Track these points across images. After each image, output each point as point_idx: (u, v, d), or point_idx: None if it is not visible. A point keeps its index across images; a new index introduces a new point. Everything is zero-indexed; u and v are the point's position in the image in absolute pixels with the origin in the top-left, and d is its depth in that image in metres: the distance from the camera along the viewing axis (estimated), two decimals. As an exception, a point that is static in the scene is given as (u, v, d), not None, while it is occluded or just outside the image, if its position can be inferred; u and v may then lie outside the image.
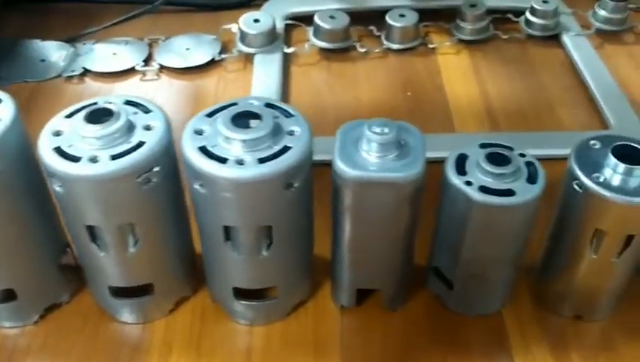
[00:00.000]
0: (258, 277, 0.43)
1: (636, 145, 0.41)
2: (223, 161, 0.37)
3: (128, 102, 0.42)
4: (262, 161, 0.37)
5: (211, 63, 0.70)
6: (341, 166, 0.38)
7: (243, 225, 0.39)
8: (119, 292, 0.45)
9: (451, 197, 0.41)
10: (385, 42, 0.71)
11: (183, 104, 0.66)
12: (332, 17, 0.70)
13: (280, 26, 0.73)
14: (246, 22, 0.69)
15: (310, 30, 0.71)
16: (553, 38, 0.73)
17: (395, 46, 0.71)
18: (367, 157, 0.39)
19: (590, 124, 0.62)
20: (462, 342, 0.45)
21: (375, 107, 0.64)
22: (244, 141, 0.38)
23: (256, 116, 0.39)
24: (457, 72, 0.69)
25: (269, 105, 0.41)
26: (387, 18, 0.70)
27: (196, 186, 0.39)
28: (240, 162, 0.37)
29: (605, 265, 0.42)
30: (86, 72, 0.69)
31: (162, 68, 0.70)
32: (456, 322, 0.46)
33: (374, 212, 0.40)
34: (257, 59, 0.69)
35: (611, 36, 0.74)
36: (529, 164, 0.41)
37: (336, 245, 0.43)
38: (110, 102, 0.41)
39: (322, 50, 0.71)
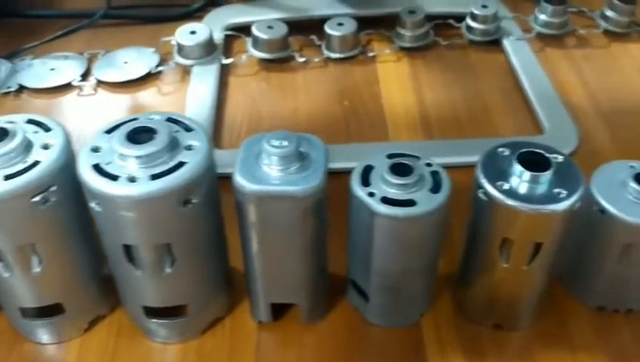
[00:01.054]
0: (165, 295, 0.42)
1: (542, 152, 0.40)
2: (114, 178, 0.37)
3: (30, 121, 0.41)
4: (155, 177, 0.37)
5: (149, 76, 0.69)
6: (240, 181, 0.38)
7: (141, 244, 0.39)
8: (30, 313, 0.44)
9: (356, 209, 0.40)
10: (325, 51, 0.71)
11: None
12: (270, 27, 0.69)
13: (219, 37, 0.72)
14: (182, 34, 0.69)
15: (249, 41, 0.71)
16: (495, 43, 0.73)
17: (335, 55, 0.70)
18: (269, 171, 0.38)
19: (526, 129, 0.62)
20: (378, 354, 0.44)
21: (311, 117, 0.64)
22: (138, 157, 0.37)
23: (154, 131, 0.39)
24: (396, 80, 0.68)
25: (170, 120, 0.40)
26: (326, 27, 0.70)
27: (92, 205, 0.38)
28: (132, 179, 0.37)
29: (517, 274, 0.42)
30: (22, 88, 0.68)
31: (100, 82, 0.69)
32: (374, 334, 0.45)
33: (278, 226, 0.39)
34: (195, 70, 0.68)
35: (552, 40, 0.73)
36: (434, 173, 0.41)
37: (246, 260, 0.43)
38: (10, 122, 0.40)
39: (262, 60, 0.71)
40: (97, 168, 0.37)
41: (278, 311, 0.46)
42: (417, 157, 0.42)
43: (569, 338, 0.45)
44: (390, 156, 0.42)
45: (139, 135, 0.38)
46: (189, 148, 0.39)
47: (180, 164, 0.37)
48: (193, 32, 0.69)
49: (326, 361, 0.44)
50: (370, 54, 0.71)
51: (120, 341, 0.45)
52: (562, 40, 0.74)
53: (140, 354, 0.45)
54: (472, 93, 0.67)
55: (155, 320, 0.44)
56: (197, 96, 0.65)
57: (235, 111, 0.65)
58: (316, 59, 0.71)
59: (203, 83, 0.67)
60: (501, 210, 0.39)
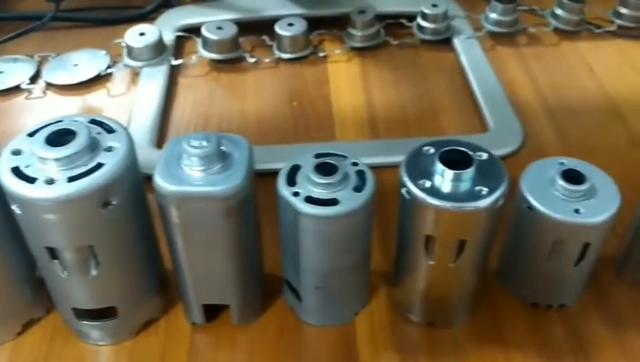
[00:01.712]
0: (93, 297, 0.42)
1: (465, 150, 0.40)
2: (32, 181, 0.36)
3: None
4: (72, 179, 0.36)
5: (98, 78, 0.69)
6: (160, 182, 0.38)
7: (63, 246, 0.38)
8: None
9: (283, 209, 0.40)
10: (276, 52, 0.71)
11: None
12: (220, 28, 0.69)
13: (171, 38, 0.72)
14: (131, 36, 0.69)
15: (200, 42, 0.70)
16: (446, 42, 0.73)
17: (286, 55, 0.70)
18: (190, 172, 0.38)
19: (472, 127, 0.62)
20: (311, 353, 0.44)
21: (259, 118, 0.64)
22: (57, 160, 0.37)
23: (74, 133, 0.38)
24: (346, 80, 0.68)
25: (93, 122, 0.40)
26: (276, 28, 0.70)
27: (14, 207, 0.38)
28: (50, 181, 0.36)
29: (444, 271, 0.42)
30: (-30, 91, 0.68)
31: (49, 85, 0.69)
32: (308, 333, 0.45)
33: (201, 227, 0.39)
34: (144, 72, 0.68)
35: (503, 38, 0.74)
36: (360, 172, 0.41)
37: (174, 261, 0.42)
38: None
39: (212, 61, 0.70)
40: (16, 171, 0.37)
41: (212, 311, 0.46)
42: (344, 157, 0.42)
43: (502, 334, 0.45)
44: (318, 156, 0.42)
45: (61, 137, 0.38)
46: (109, 149, 0.38)
47: (99, 166, 0.37)
48: (142, 34, 0.69)
49: (258, 361, 0.44)
50: (321, 54, 0.71)
51: (54, 344, 0.45)
52: (513, 38, 0.74)
53: (72, 356, 0.44)
54: (421, 92, 0.67)
55: (86, 322, 0.43)
56: (145, 98, 0.64)
57: (183, 113, 0.65)
58: (267, 60, 0.71)
59: (152, 84, 0.66)
60: (423, 208, 0.39)
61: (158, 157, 0.39)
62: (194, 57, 0.70)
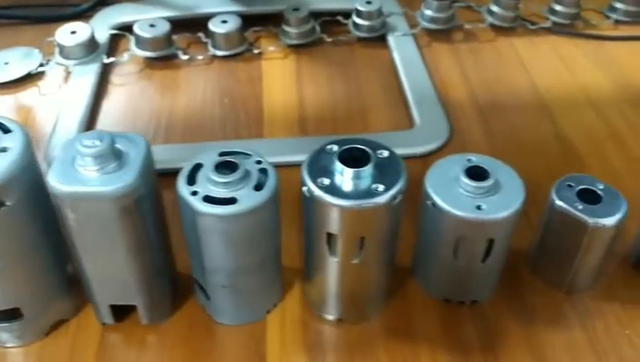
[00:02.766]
0: (-5, 298, 0.42)
1: (364, 148, 0.41)
2: None
3: None
4: (-38, 180, 0.36)
5: (29, 77, 0.68)
6: (53, 183, 0.37)
7: (-42, 247, 0.38)
8: None
9: (183, 208, 0.40)
10: (210, 49, 0.71)
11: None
12: (152, 26, 0.69)
13: (105, 36, 0.71)
14: (62, 34, 0.68)
15: (133, 40, 0.70)
16: (381, 39, 0.73)
17: (220, 52, 0.70)
18: (84, 172, 0.38)
19: (399, 124, 0.62)
20: (220, 352, 0.44)
21: (189, 115, 0.64)
22: (-53, 161, 0.37)
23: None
24: (279, 78, 0.68)
25: (-9, 122, 0.40)
26: (210, 25, 0.70)
27: None
28: (-61, 183, 0.36)
29: (348, 268, 0.42)
30: None
31: (-22, 83, 0.68)
32: (218, 333, 0.45)
33: (97, 227, 0.39)
34: (75, 71, 0.67)
35: (439, 35, 0.74)
36: (262, 171, 0.41)
37: (76, 262, 0.42)
38: None
39: (147, 59, 0.70)
40: None
41: (123, 312, 0.45)
42: (249, 155, 0.42)
43: (412, 330, 0.45)
44: (222, 154, 0.41)
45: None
46: (3, 150, 0.38)
47: (-10, 167, 0.37)
48: (74, 32, 0.68)
49: (167, 361, 0.44)
50: (256, 51, 0.71)
51: (-39, 347, 0.45)
52: (449, 35, 0.75)
53: (-21, 359, 0.44)
54: (353, 89, 0.67)
55: (-11, 324, 0.43)
56: (75, 97, 0.64)
57: (113, 111, 0.64)
58: (201, 57, 0.70)
59: (82, 83, 0.66)
60: (322, 206, 0.39)
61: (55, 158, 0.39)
62: (126, 55, 0.69)
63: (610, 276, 0.49)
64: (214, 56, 0.71)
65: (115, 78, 0.68)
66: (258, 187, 0.40)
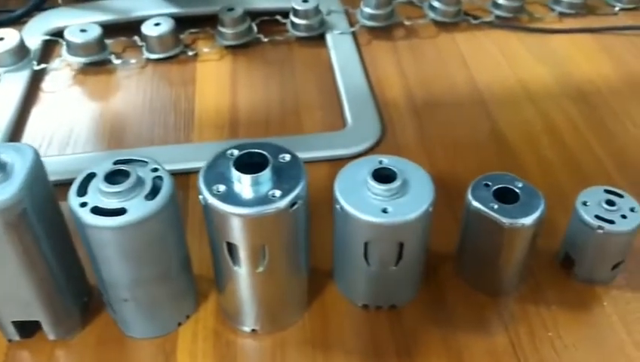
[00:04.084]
0: None
1: (262, 153, 0.39)
2: None
3: None
4: None
5: (-42, 86, 0.66)
6: None
7: None
8: None
9: (75, 220, 0.39)
10: (145, 52, 0.69)
11: None
12: (83, 31, 0.67)
13: (37, 42, 0.70)
14: (-11, 40, 0.66)
15: (64, 45, 0.68)
16: (321, 38, 0.72)
17: (154, 56, 0.69)
18: (-33, 185, 0.36)
19: (332, 124, 0.61)
20: (127, 368, 0.43)
21: (116, 121, 0.62)
22: None
23: None
24: (214, 80, 0.67)
25: None
26: (142, 28, 0.68)
27: None
28: None
29: (254, 277, 0.41)
30: None
31: None
32: (128, 346, 0.44)
33: (-12, 242, 0.37)
34: (4, 78, 0.66)
35: (380, 32, 0.73)
36: (158, 178, 0.39)
37: (-29, 278, 0.41)
38: None
39: (81, 64, 0.68)
40: None
41: (32, 327, 0.44)
42: (145, 162, 0.40)
43: (328, 339, 0.44)
44: (117, 162, 0.40)
45: None
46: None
47: None
48: (2, 39, 0.66)
49: (72, 378, 0.42)
50: (191, 53, 0.70)
51: None
52: (390, 32, 0.73)
53: None
54: (288, 90, 0.65)
55: None
56: (2, 104, 0.62)
57: (41, 119, 0.62)
58: (134, 61, 0.69)
59: (11, 90, 0.64)
60: (217, 214, 0.38)
61: None
62: (57, 61, 0.68)
63: (538, 276, 0.48)
64: (148, 60, 0.69)
65: (46, 85, 0.67)
66: (150, 196, 0.38)
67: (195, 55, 0.70)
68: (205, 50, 0.70)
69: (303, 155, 0.56)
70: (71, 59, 0.68)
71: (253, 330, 0.44)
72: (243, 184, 0.38)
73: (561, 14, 0.76)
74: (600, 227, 0.44)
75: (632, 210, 0.45)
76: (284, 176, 0.39)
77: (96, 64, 0.68)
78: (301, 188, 0.38)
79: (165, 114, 0.63)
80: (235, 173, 0.38)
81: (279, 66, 0.69)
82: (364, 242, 0.42)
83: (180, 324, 0.45)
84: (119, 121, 0.62)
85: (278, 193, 0.37)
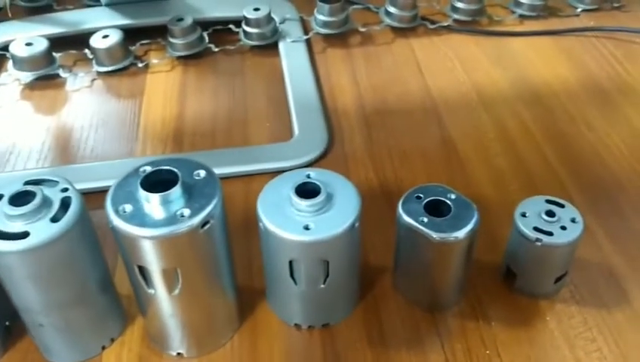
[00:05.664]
0: None
1: (173, 170, 0.38)
2: None
3: None
4: None
5: None
6: None
7: None
8: None
9: (-20, 244, 0.37)
10: (95, 65, 0.68)
11: None
12: (29, 44, 0.66)
13: (-15, 57, 0.69)
14: None
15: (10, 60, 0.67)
16: (274, 46, 0.70)
17: (103, 69, 0.67)
18: None
19: (280, 135, 0.59)
20: (46, 395, 0.41)
21: (60, 137, 0.60)
22: None
23: None
24: (161, 91, 0.65)
25: None
26: (91, 41, 0.67)
27: None
28: None
29: (172, 300, 0.39)
30: None
31: None
32: (49, 372, 0.42)
33: None
34: (-52, 95, 0.65)
35: (336, 39, 0.71)
36: (66, 199, 0.38)
37: None
38: None
39: (27, 79, 0.67)
40: None
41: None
42: (56, 182, 0.39)
43: (257, 360, 0.42)
44: (27, 183, 0.38)
45: None
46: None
47: None
48: (-55, 54, 0.65)
49: (-13, 407, 0.41)
50: (141, 65, 0.68)
51: None
52: (346, 39, 0.72)
53: None
54: (238, 100, 0.64)
55: None
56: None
57: (-19, 136, 0.61)
58: (83, 74, 0.67)
59: (-47, 107, 0.63)
60: (123, 236, 0.36)
61: None
62: (4, 76, 0.66)
63: (479, 290, 0.46)
64: (98, 73, 0.68)
65: (-7, 102, 0.66)
66: (57, 218, 0.37)
67: (146, 66, 0.68)
68: (155, 61, 0.68)
69: (247, 168, 0.56)
70: (18, 74, 0.66)
71: (178, 354, 0.43)
72: (152, 203, 0.36)
73: (522, 17, 0.74)
74: (538, 239, 0.42)
75: (572, 220, 0.43)
76: (197, 194, 0.37)
77: (45, 78, 0.67)
78: (213, 207, 0.37)
79: (111, 128, 0.61)
80: (142, 193, 0.36)
81: (230, 76, 0.67)
82: (289, 260, 0.40)
83: (104, 348, 0.43)
84: (64, 137, 0.61)
85: (187, 212, 0.36)
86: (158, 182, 0.37)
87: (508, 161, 0.56)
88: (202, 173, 0.38)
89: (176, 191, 0.36)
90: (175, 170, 0.37)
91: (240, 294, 0.44)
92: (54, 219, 0.37)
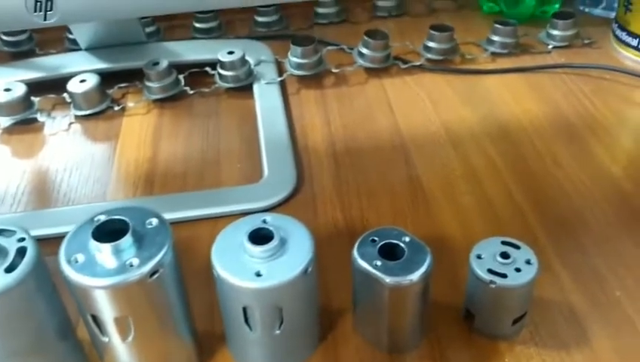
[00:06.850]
0: None
1: (124, 218, 0.38)
2: None
3: None
4: None
5: None
6: None
7: None
8: None
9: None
10: (72, 109, 0.69)
11: None
12: (7, 90, 0.67)
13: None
14: None
15: (-9, 105, 0.69)
16: (250, 88, 0.71)
17: (80, 112, 0.69)
18: None
19: (250, 176, 0.60)
20: None
21: (36, 179, 0.61)
22: None
23: None
24: (136, 134, 0.66)
25: None
26: (68, 86, 0.68)
27: None
28: None
29: (124, 349, 0.39)
30: None
31: None
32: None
33: None
34: None
35: (310, 80, 0.73)
36: (22, 249, 0.39)
37: None
38: None
39: (4, 123, 0.68)
40: None
41: None
42: (13, 231, 0.40)
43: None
44: (-16, 233, 0.39)
45: None
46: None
47: None
48: None
49: None
50: (117, 108, 0.69)
51: None
52: (320, 80, 0.73)
53: None
54: (211, 142, 0.65)
55: None
56: None
57: (-43, 181, 0.62)
58: (60, 118, 0.69)
59: None
60: (74, 286, 0.37)
61: None
62: (-18, 121, 0.68)
63: (440, 331, 0.46)
64: (76, 116, 0.69)
65: (-30, 147, 0.67)
66: (10, 268, 0.37)
67: (122, 109, 0.70)
68: (131, 104, 0.70)
69: (214, 210, 0.56)
70: (-6, 119, 0.68)
71: (137, 400, 0.43)
72: (103, 253, 0.37)
73: (494, 54, 0.76)
74: (492, 281, 0.43)
75: (527, 262, 0.44)
76: (148, 243, 0.38)
77: (23, 122, 0.69)
78: (163, 255, 0.37)
79: (85, 171, 0.62)
80: (93, 243, 0.37)
81: (205, 118, 0.68)
82: (242, 307, 0.40)
83: (63, 395, 0.44)
84: (39, 180, 0.62)
85: (136, 261, 0.37)
86: (111, 231, 0.38)
87: (474, 200, 0.56)
88: (154, 221, 0.39)
89: (126, 241, 0.37)
90: (127, 219, 0.38)
91: (200, 339, 0.45)
92: (9, 269, 0.37)
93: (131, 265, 0.36)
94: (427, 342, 0.46)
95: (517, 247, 0.45)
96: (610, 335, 0.45)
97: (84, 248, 0.38)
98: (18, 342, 0.39)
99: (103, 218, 0.39)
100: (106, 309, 0.37)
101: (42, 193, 0.60)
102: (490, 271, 0.43)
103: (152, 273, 0.37)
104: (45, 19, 0.52)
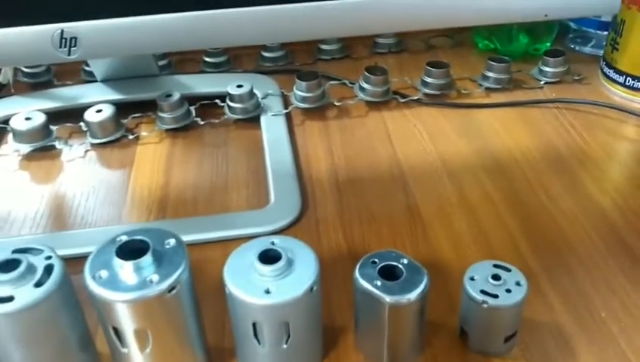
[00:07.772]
0: None
1: (144, 239, 0.42)
2: None
3: None
4: None
5: None
6: None
7: None
8: None
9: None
10: (89, 137, 0.73)
11: None
12: (28, 119, 0.71)
13: (-14, 130, 0.74)
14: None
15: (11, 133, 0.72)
16: (257, 120, 0.75)
17: (96, 140, 0.72)
18: None
19: (257, 203, 0.64)
20: None
21: (54, 204, 0.65)
22: None
23: None
24: (150, 162, 0.70)
25: None
26: (85, 115, 0.72)
27: None
28: None
29: (143, 358, 0.42)
30: None
31: None
32: None
33: None
34: (-51, 167, 0.70)
35: (314, 112, 0.77)
36: (49, 266, 0.42)
37: None
38: None
39: (25, 150, 0.72)
40: None
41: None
42: (41, 250, 0.43)
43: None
44: (14, 251, 0.43)
45: None
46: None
47: None
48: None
49: None
50: (131, 137, 0.73)
51: None
52: (323, 112, 0.77)
53: None
54: (220, 170, 0.69)
55: None
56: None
57: (-19, 205, 0.66)
58: (77, 145, 0.73)
59: (-45, 178, 0.68)
60: (97, 300, 0.40)
61: None
62: (4, 148, 0.71)
63: (436, 349, 0.49)
64: (92, 144, 0.73)
65: (-8, 172, 0.71)
66: (39, 283, 0.41)
67: (136, 138, 0.73)
68: (145, 133, 0.73)
69: (224, 233, 0.60)
70: (17, 146, 0.71)
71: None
72: (125, 270, 0.40)
73: (488, 89, 0.80)
74: (484, 301, 0.46)
75: (517, 283, 0.47)
76: (166, 262, 0.41)
77: (42, 149, 0.72)
78: (180, 273, 0.41)
79: (101, 195, 0.66)
80: (116, 260, 0.41)
81: (214, 148, 0.72)
82: (252, 322, 0.44)
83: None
84: (56, 205, 0.65)
85: (156, 278, 0.40)
86: (132, 250, 0.42)
87: (468, 226, 0.60)
88: (172, 241, 0.43)
89: (146, 260, 0.41)
90: (147, 239, 0.42)
91: (211, 353, 0.48)
92: (37, 284, 0.41)
93: (151, 282, 0.40)
94: (424, 358, 0.49)
95: (508, 270, 0.48)
96: (596, 353, 0.48)
97: (107, 265, 0.41)
98: (43, 351, 0.42)
99: (124, 238, 0.43)
100: (127, 322, 0.40)
101: (60, 216, 0.63)
102: (482, 291, 0.46)
103: (170, 289, 0.40)
104: (69, 55, 0.56)
